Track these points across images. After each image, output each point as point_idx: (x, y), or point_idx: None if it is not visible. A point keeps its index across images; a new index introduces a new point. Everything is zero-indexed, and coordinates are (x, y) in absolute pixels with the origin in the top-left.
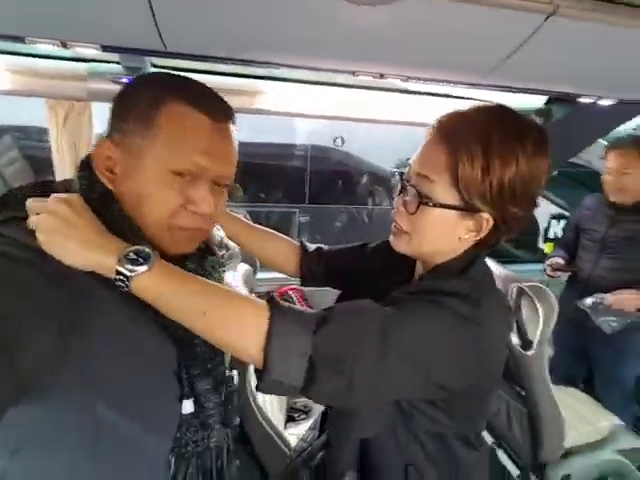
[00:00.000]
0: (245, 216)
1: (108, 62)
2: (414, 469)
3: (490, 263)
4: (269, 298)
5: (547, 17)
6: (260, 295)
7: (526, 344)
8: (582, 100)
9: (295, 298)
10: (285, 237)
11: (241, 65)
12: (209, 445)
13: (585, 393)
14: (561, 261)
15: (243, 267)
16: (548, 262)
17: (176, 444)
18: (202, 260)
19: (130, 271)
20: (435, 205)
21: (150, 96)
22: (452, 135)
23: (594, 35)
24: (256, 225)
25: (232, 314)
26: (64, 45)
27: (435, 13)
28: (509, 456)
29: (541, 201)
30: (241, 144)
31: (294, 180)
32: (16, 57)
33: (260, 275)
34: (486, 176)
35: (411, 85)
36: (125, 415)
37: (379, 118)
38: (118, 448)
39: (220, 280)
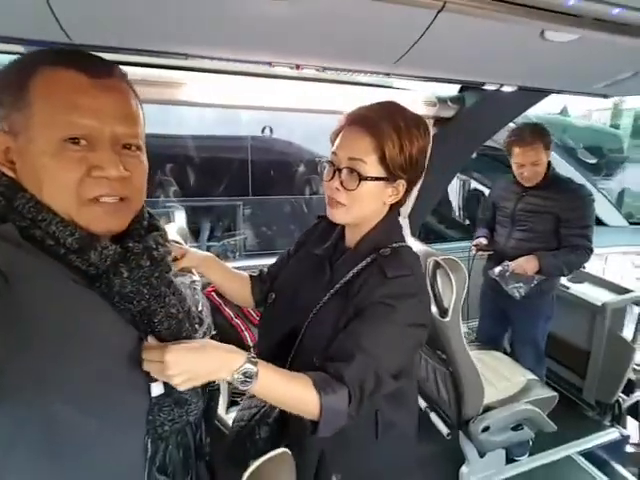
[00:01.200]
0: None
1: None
2: (381, 412)
3: (412, 242)
4: (314, 383)
5: (438, 12)
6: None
7: (443, 312)
8: (487, 87)
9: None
10: (243, 274)
11: (152, 57)
12: (188, 420)
13: (505, 353)
14: (484, 241)
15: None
16: (473, 243)
17: (150, 426)
18: (144, 237)
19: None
20: (370, 179)
21: (19, 69)
22: (371, 126)
23: (481, 28)
24: (225, 265)
25: (301, 399)
26: None
27: (341, 5)
28: (440, 417)
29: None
30: (181, 137)
31: (237, 172)
32: None
33: None
34: (402, 153)
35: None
36: (85, 411)
37: (304, 107)
38: (81, 445)
39: (167, 253)
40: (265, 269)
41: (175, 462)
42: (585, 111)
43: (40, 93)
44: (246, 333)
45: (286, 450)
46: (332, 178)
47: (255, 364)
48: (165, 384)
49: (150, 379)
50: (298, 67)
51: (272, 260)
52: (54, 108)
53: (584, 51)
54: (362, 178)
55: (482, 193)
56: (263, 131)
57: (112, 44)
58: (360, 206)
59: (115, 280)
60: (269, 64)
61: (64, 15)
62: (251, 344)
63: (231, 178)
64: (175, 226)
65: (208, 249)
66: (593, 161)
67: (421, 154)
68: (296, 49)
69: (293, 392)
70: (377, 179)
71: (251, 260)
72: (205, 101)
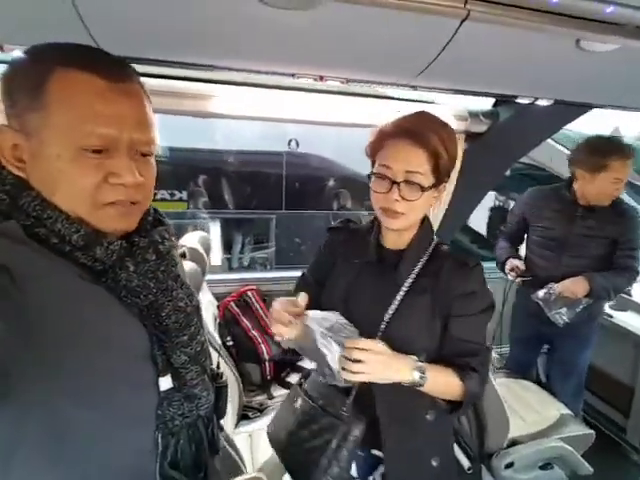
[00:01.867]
0: None
1: None
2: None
3: None
4: (457, 372)
5: (462, 21)
6: (218, 296)
7: None
8: (520, 101)
9: (253, 298)
10: None
11: (176, 68)
12: (199, 414)
13: (537, 384)
14: (521, 265)
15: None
16: (508, 267)
17: (160, 421)
18: (149, 232)
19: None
20: (428, 188)
21: (36, 69)
22: (421, 138)
23: (507, 38)
24: None
25: (452, 386)
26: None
27: (362, 16)
28: (461, 448)
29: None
30: (215, 152)
31: (271, 186)
32: None
33: (218, 277)
34: (450, 160)
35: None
36: (93, 407)
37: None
38: (89, 441)
39: (173, 247)
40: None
41: (187, 457)
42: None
43: (58, 96)
44: (263, 346)
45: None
46: (389, 190)
47: (422, 362)
48: (174, 378)
49: (158, 373)
50: (322, 79)
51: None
52: (72, 114)
53: (625, 62)
54: (424, 189)
55: (505, 211)
56: (289, 144)
57: (140, 54)
58: (417, 213)
59: (122, 274)
60: (292, 75)
61: (93, 23)
62: (267, 357)
63: (266, 192)
64: (197, 235)
65: (240, 260)
66: None
67: (456, 158)
68: (319, 60)
69: (447, 380)
70: (432, 187)
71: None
72: (234, 113)
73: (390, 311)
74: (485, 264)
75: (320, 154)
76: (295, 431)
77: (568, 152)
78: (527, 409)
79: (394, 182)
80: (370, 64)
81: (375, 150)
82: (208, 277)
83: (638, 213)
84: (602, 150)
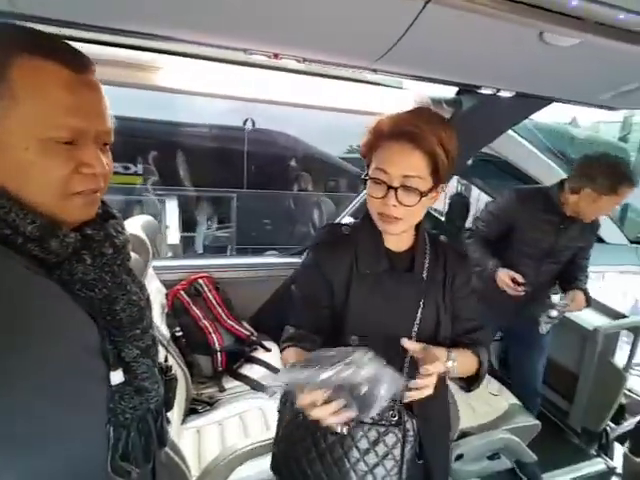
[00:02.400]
0: None
1: None
2: None
3: None
4: (470, 348)
5: (425, 3)
6: (167, 283)
7: None
8: (482, 91)
9: (205, 286)
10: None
11: (135, 38)
12: (149, 407)
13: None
14: (520, 277)
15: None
16: (506, 278)
17: (112, 414)
18: (103, 224)
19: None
20: (427, 193)
21: None
22: (420, 141)
23: (473, 25)
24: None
25: (472, 363)
26: None
27: None
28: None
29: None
30: (175, 124)
31: (232, 164)
32: None
33: (170, 262)
34: (449, 160)
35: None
36: (46, 401)
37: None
38: (43, 435)
39: (127, 241)
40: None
41: (137, 449)
42: (593, 123)
43: (23, 85)
44: (214, 336)
45: None
46: (386, 196)
47: (449, 350)
48: (125, 373)
49: (109, 367)
50: (276, 56)
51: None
52: (41, 105)
53: (587, 58)
54: (422, 194)
55: (466, 198)
56: (245, 123)
57: (70, 18)
58: (416, 217)
59: (78, 267)
60: (244, 51)
61: None
62: (218, 348)
63: (227, 169)
64: (140, 219)
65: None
66: None
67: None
68: (274, 36)
69: (468, 359)
70: (430, 190)
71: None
72: (184, 88)
73: (419, 314)
74: None
75: (285, 131)
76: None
77: (527, 143)
78: (478, 400)
79: (390, 187)
80: (328, 44)
81: (370, 150)
82: (156, 263)
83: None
84: (618, 175)
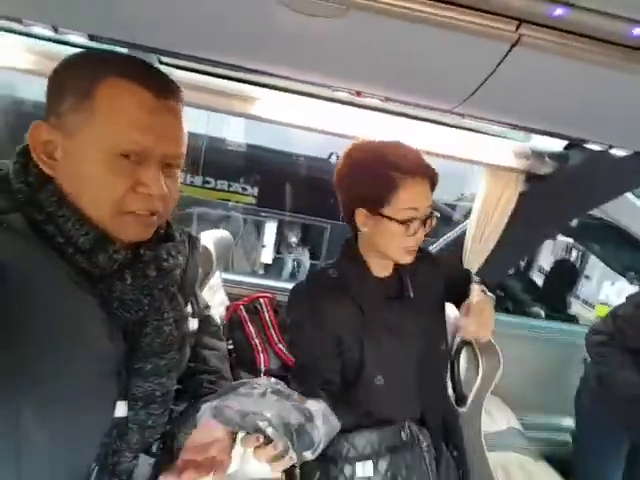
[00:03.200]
0: None
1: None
2: None
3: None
4: None
5: (512, 46)
6: (232, 297)
7: (460, 399)
8: (589, 146)
9: (265, 305)
10: None
11: (230, 70)
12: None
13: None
14: None
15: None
16: None
17: (102, 450)
18: (157, 247)
19: None
20: None
21: (87, 72)
22: (429, 174)
23: (563, 69)
24: None
25: None
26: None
27: (403, 30)
28: None
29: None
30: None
31: (329, 195)
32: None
33: (232, 277)
34: None
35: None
36: (47, 417)
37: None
38: (32, 452)
39: (177, 266)
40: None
41: None
42: None
43: (105, 103)
44: (261, 355)
45: None
46: (417, 231)
47: None
48: (129, 408)
49: (119, 396)
50: (359, 94)
51: None
52: (117, 121)
53: None
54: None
55: (573, 265)
56: (330, 157)
57: (183, 51)
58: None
59: (117, 285)
60: (329, 88)
61: (131, 12)
62: (263, 368)
63: (323, 201)
64: (215, 234)
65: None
66: None
67: None
68: (357, 74)
69: None
70: None
71: None
72: (278, 119)
73: (430, 333)
74: (537, 322)
75: None
76: None
77: None
78: None
79: (422, 221)
80: (410, 84)
81: (388, 191)
82: (226, 276)
83: None
84: None
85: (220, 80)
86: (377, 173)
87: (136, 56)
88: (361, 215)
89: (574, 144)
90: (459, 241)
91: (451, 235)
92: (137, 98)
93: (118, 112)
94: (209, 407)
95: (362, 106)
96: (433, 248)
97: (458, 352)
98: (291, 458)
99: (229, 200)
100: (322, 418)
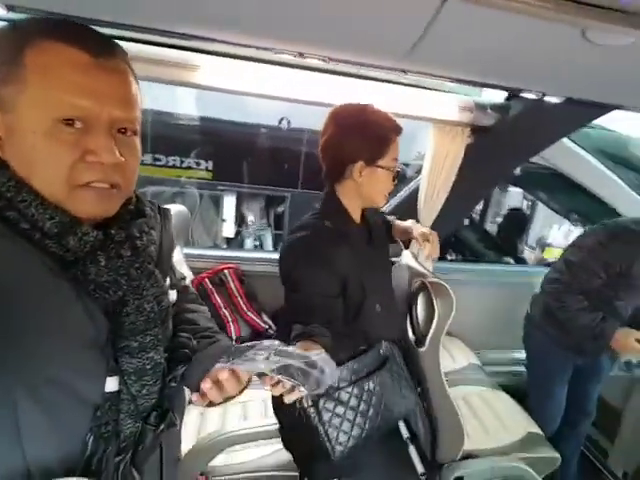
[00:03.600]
0: None
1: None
2: None
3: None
4: None
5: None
6: (195, 271)
7: (419, 340)
8: (525, 95)
9: (229, 276)
10: None
11: (170, 37)
12: (133, 428)
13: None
14: None
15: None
16: (628, 338)
17: (96, 422)
18: (129, 224)
19: None
20: None
21: (13, 40)
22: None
23: (495, 20)
24: None
25: None
26: None
27: None
28: (418, 453)
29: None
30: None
31: (288, 164)
32: None
33: (201, 251)
34: None
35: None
36: (41, 399)
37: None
38: (28, 435)
39: (151, 242)
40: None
41: (110, 466)
42: None
43: (36, 68)
44: (232, 325)
45: None
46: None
47: None
48: (119, 382)
49: (108, 372)
50: (301, 56)
51: None
52: (50, 85)
53: None
54: None
55: (524, 214)
56: (280, 122)
57: (116, 19)
58: None
59: (91, 268)
60: (271, 50)
61: None
62: (235, 337)
63: (282, 170)
64: (172, 208)
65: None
66: None
67: None
68: (297, 35)
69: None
70: None
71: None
72: (219, 86)
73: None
74: (489, 266)
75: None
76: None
77: (588, 156)
78: (496, 422)
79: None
80: (350, 42)
81: (384, 146)
82: (188, 251)
83: None
84: None
85: (157, 48)
86: (375, 130)
87: (64, 19)
88: (359, 167)
89: (514, 95)
90: (412, 197)
91: (405, 192)
92: (71, 59)
93: (52, 77)
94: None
95: (307, 68)
96: (389, 205)
97: (415, 297)
98: (301, 391)
99: (181, 177)
100: (324, 363)
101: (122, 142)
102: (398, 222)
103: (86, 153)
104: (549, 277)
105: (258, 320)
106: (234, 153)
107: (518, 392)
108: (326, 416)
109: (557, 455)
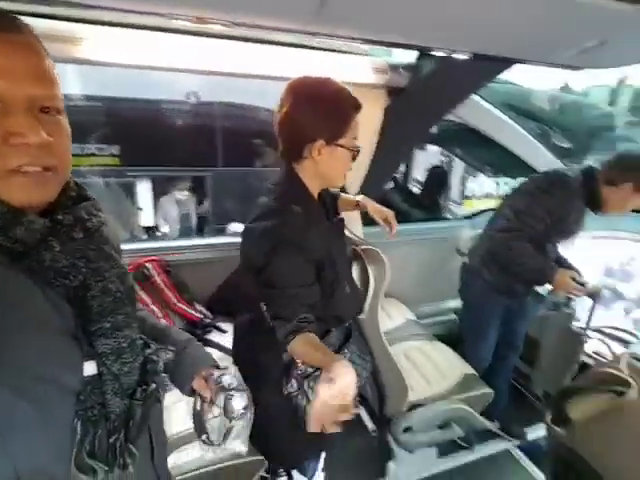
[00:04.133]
0: None
1: None
2: None
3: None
4: None
5: None
6: None
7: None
8: (435, 53)
9: (153, 269)
10: None
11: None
12: (120, 408)
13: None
14: (578, 277)
15: None
16: (566, 277)
17: (81, 407)
18: (73, 208)
19: None
20: None
21: None
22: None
23: None
24: None
25: None
26: None
27: None
28: (367, 413)
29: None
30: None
31: (209, 142)
32: None
33: None
34: None
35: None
36: (18, 392)
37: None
38: (10, 428)
39: (102, 224)
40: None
41: (104, 447)
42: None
43: None
44: (163, 320)
45: None
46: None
47: None
48: (97, 365)
49: (84, 357)
50: (200, 20)
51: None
52: None
53: (542, 11)
54: None
55: (443, 170)
56: (188, 97)
57: None
58: None
59: (46, 255)
60: (163, 16)
61: None
62: None
63: (201, 148)
64: None
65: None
66: (567, 145)
67: None
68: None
69: None
70: None
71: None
72: (112, 60)
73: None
74: (416, 225)
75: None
76: None
77: (495, 110)
78: (434, 371)
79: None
80: (255, 5)
81: (345, 124)
82: None
83: None
84: None
85: (29, 19)
86: (336, 108)
87: None
88: (318, 146)
89: (424, 54)
90: None
91: None
92: None
93: None
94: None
95: (209, 35)
96: None
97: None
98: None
99: (82, 165)
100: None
101: (47, 121)
102: (345, 195)
103: (9, 136)
104: (498, 226)
105: (191, 310)
106: (142, 134)
107: (451, 338)
108: (312, 396)
109: (490, 390)
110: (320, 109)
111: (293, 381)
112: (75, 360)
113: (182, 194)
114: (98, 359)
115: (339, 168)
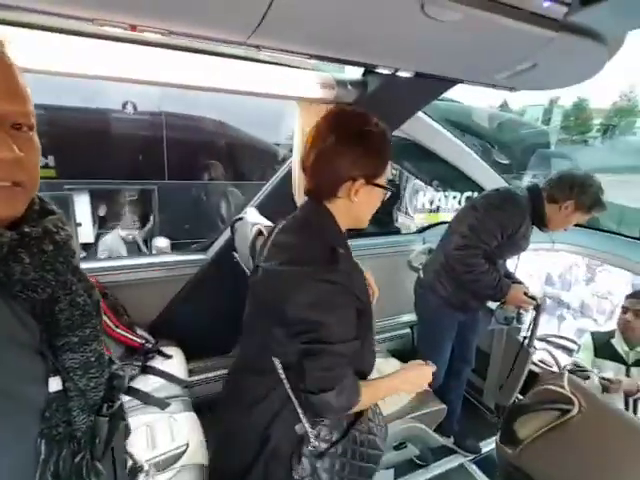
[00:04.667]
0: None
1: None
2: None
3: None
4: None
5: None
6: None
7: None
8: (380, 71)
9: None
10: None
11: None
12: (85, 427)
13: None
14: (529, 291)
15: None
16: (519, 292)
17: (46, 425)
18: (40, 221)
19: None
20: None
21: None
22: None
23: None
24: None
25: None
26: None
27: None
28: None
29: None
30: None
31: (152, 153)
32: None
33: None
34: None
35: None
36: None
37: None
38: None
39: (70, 237)
40: None
41: (67, 468)
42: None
43: None
44: None
45: None
46: None
47: None
48: (63, 381)
49: (49, 373)
50: (134, 28)
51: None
52: None
53: (476, 35)
54: None
55: (395, 184)
56: (124, 107)
57: None
58: None
59: (16, 267)
60: (91, 22)
61: None
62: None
63: (147, 159)
64: None
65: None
66: (506, 162)
67: None
68: (130, 4)
69: None
70: None
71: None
72: (38, 67)
73: None
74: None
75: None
76: None
77: (439, 127)
78: None
79: None
80: (194, 14)
81: (385, 163)
82: None
83: None
84: (599, 198)
85: None
86: (378, 146)
87: None
88: (358, 186)
89: (369, 70)
90: (288, 177)
91: (280, 173)
92: None
93: None
94: None
95: (146, 43)
96: (267, 187)
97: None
98: None
99: None
100: None
101: (19, 138)
102: None
103: None
104: (453, 243)
105: (131, 336)
106: (80, 145)
107: (405, 353)
108: None
109: (444, 406)
110: (370, 147)
111: (304, 461)
112: (39, 375)
113: (125, 231)
114: (64, 374)
115: (371, 209)
